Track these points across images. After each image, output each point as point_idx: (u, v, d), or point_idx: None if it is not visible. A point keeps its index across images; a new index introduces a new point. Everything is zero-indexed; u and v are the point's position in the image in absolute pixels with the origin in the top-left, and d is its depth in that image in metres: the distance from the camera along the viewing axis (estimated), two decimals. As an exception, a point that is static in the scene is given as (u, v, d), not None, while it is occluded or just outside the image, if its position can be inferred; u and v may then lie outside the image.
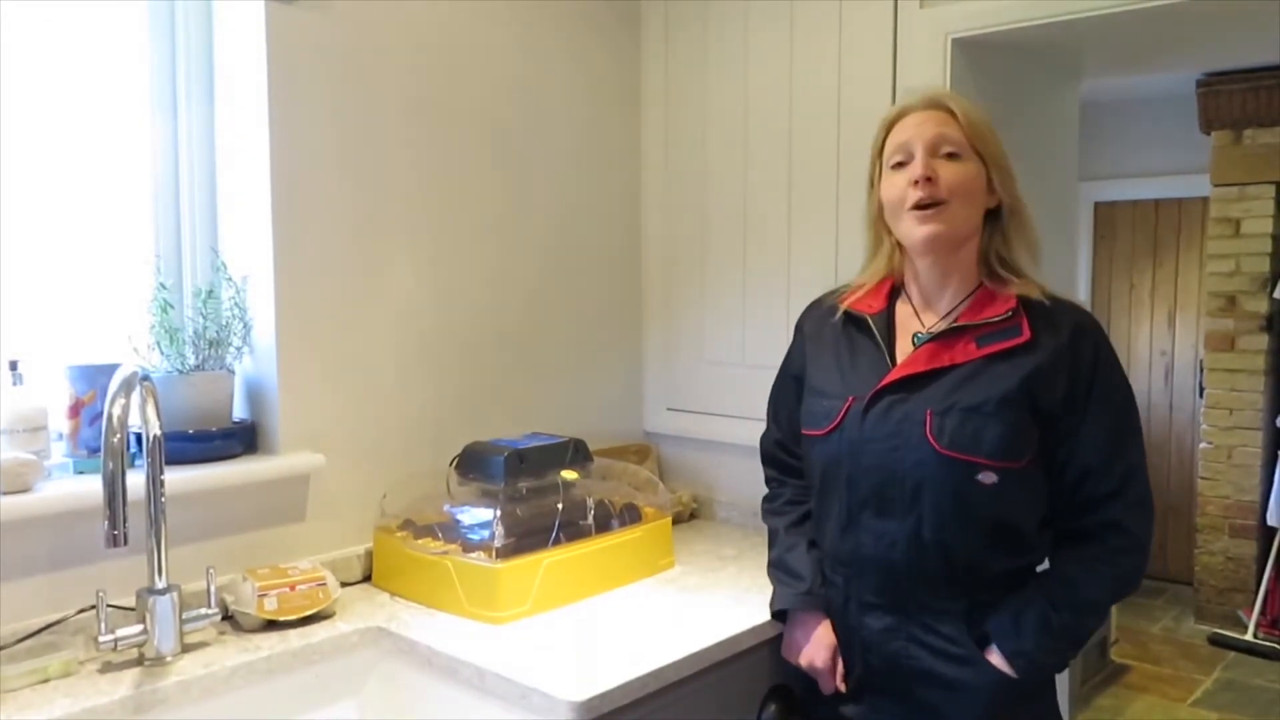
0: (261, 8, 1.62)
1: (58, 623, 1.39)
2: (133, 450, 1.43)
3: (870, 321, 1.42)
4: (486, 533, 1.62)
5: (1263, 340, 4.45)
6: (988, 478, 1.29)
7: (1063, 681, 1.83)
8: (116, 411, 1.27)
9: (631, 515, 1.79)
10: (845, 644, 1.42)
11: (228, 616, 1.52)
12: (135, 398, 1.32)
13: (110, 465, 1.25)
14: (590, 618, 1.56)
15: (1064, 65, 2.18)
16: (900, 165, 1.37)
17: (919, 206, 1.33)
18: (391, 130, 1.81)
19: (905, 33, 1.88)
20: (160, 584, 1.37)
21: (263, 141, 1.64)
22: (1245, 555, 4.52)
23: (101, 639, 1.31)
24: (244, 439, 1.66)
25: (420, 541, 1.67)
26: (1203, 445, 4.63)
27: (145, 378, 1.34)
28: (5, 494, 1.36)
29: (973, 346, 1.34)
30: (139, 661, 1.36)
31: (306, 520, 1.71)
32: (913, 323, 1.42)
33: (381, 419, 1.81)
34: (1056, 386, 1.31)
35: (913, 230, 1.35)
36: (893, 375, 1.36)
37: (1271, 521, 4.20)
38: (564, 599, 1.61)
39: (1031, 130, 2.09)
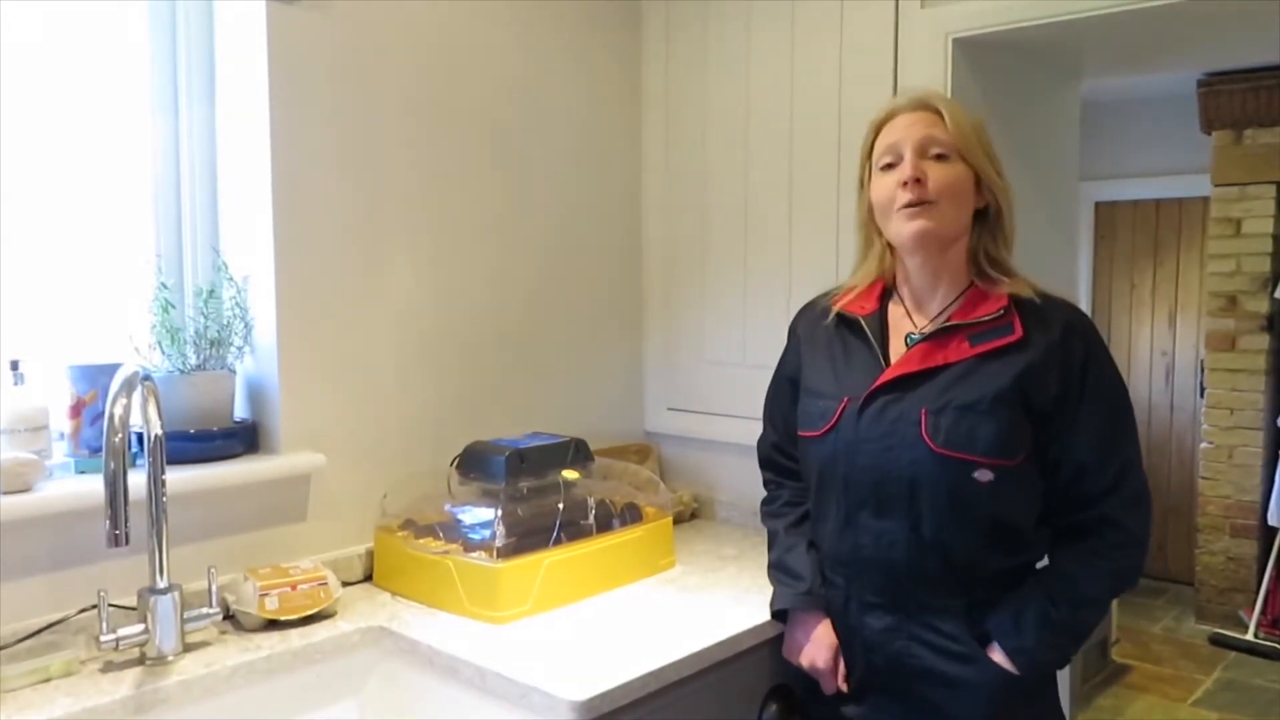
0: (262, 8, 1.62)
1: (59, 622, 1.39)
2: (134, 450, 1.43)
3: (863, 323, 1.43)
4: (487, 532, 1.62)
5: (1263, 340, 4.45)
6: (984, 476, 1.29)
7: (1063, 681, 1.83)
8: (118, 411, 1.27)
9: (632, 515, 1.79)
10: (846, 644, 1.42)
11: (229, 616, 1.52)
12: (136, 397, 1.32)
13: (112, 465, 1.25)
14: (591, 617, 1.56)
15: (1065, 65, 2.18)
16: (889, 167, 1.37)
17: (908, 207, 1.34)
18: (392, 130, 1.81)
19: (906, 33, 1.88)
20: (162, 583, 1.38)
21: (264, 141, 1.64)
22: (1246, 555, 4.52)
23: (103, 638, 1.31)
24: (245, 439, 1.66)
25: (421, 541, 1.67)
26: (1203, 445, 4.63)
27: (146, 377, 1.34)
28: (6, 494, 1.36)
29: (966, 345, 1.34)
30: (140, 661, 1.36)
31: (308, 520, 1.71)
32: (905, 323, 1.43)
33: (382, 419, 1.82)
34: (1049, 384, 1.31)
35: (902, 227, 1.36)
36: (887, 375, 1.37)
37: (1272, 521, 4.20)
38: (565, 599, 1.61)
39: (1032, 130, 2.09)
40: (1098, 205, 5.31)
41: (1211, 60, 3.41)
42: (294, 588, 1.52)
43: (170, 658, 1.37)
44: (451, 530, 1.69)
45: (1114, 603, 3.99)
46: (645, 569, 1.77)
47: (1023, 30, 1.80)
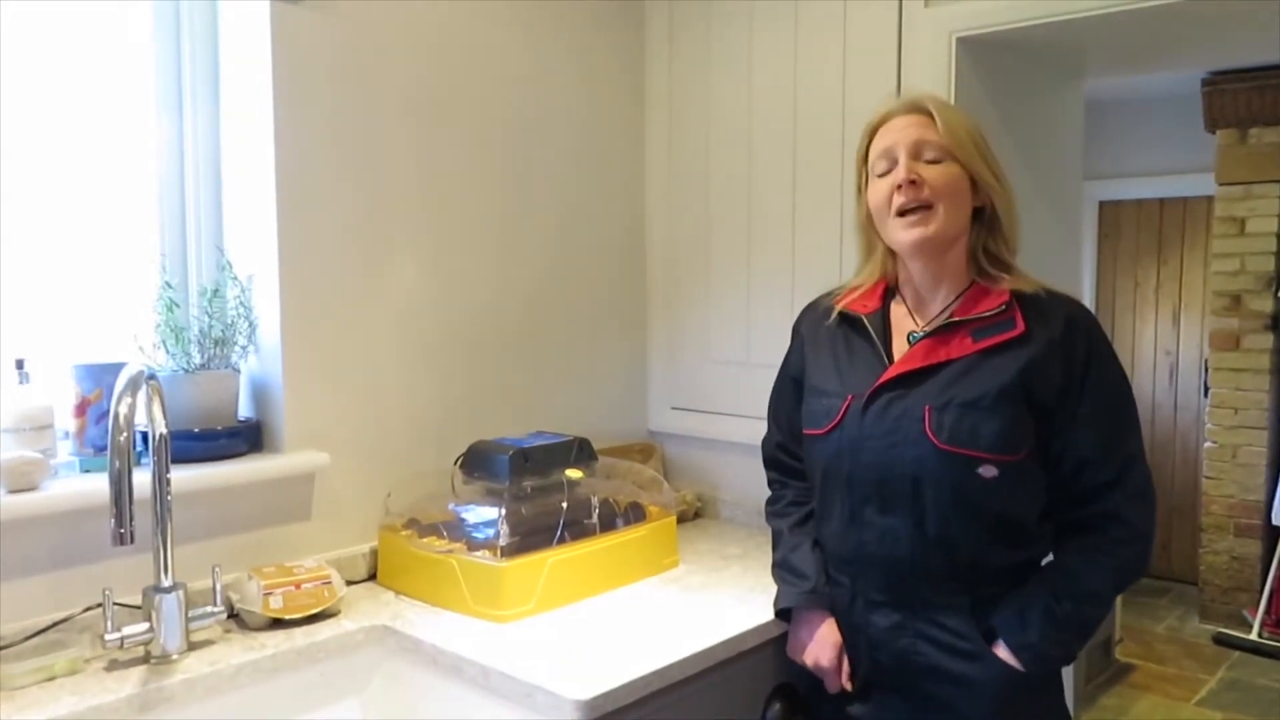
0: (266, 8, 1.62)
1: (64, 621, 1.39)
2: (138, 449, 1.44)
3: (865, 321, 1.43)
4: (491, 531, 1.62)
5: (1268, 339, 4.44)
6: (988, 471, 1.30)
7: (1067, 679, 1.83)
8: (122, 410, 1.27)
9: (636, 514, 1.79)
10: (851, 642, 1.42)
11: (233, 615, 1.52)
12: (141, 396, 1.32)
13: (116, 464, 1.25)
14: (595, 616, 1.56)
15: (1068, 64, 2.18)
16: (885, 171, 1.37)
17: (905, 212, 1.34)
18: (396, 130, 1.81)
19: (909, 32, 1.88)
20: (166, 582, 1.38)
21: (267, 141, 1.64)
22: (1250, 555, 4.51)
23: (107, 637, 1.32)
24: (249, 438, 1.67)
25: (425, 540, 1.68)
26: (1207, 445, 4.62)
27: (151, 376, 1.34)
28: (11, 492, 1.36)
29: (968, 341, 1.34)
30: (145, 659, 1.36)
31: (311, 519, 1.71)
32: (907, 322, 1.43)
33: (386, 418, 1.82)
34: (1051, 378, 1.31)
35: (900, 236, 1.36)
36: (891, 372, 1.37)
37: (1276, 521, 4.20)
38: (568, 598, 1.61)
39: (1036, 129, 2.09)
40: (1102, 204, 5.31)
41: (1214, 60, 3.41)
42: (298, 587, 1.52)
43: (175, 656, 1.37)
44: (455, 529, 1.70)
45: (1118, 602, 3.99)
46: (649, 568, 1.77)
47: (1026, 29, 1.80)
